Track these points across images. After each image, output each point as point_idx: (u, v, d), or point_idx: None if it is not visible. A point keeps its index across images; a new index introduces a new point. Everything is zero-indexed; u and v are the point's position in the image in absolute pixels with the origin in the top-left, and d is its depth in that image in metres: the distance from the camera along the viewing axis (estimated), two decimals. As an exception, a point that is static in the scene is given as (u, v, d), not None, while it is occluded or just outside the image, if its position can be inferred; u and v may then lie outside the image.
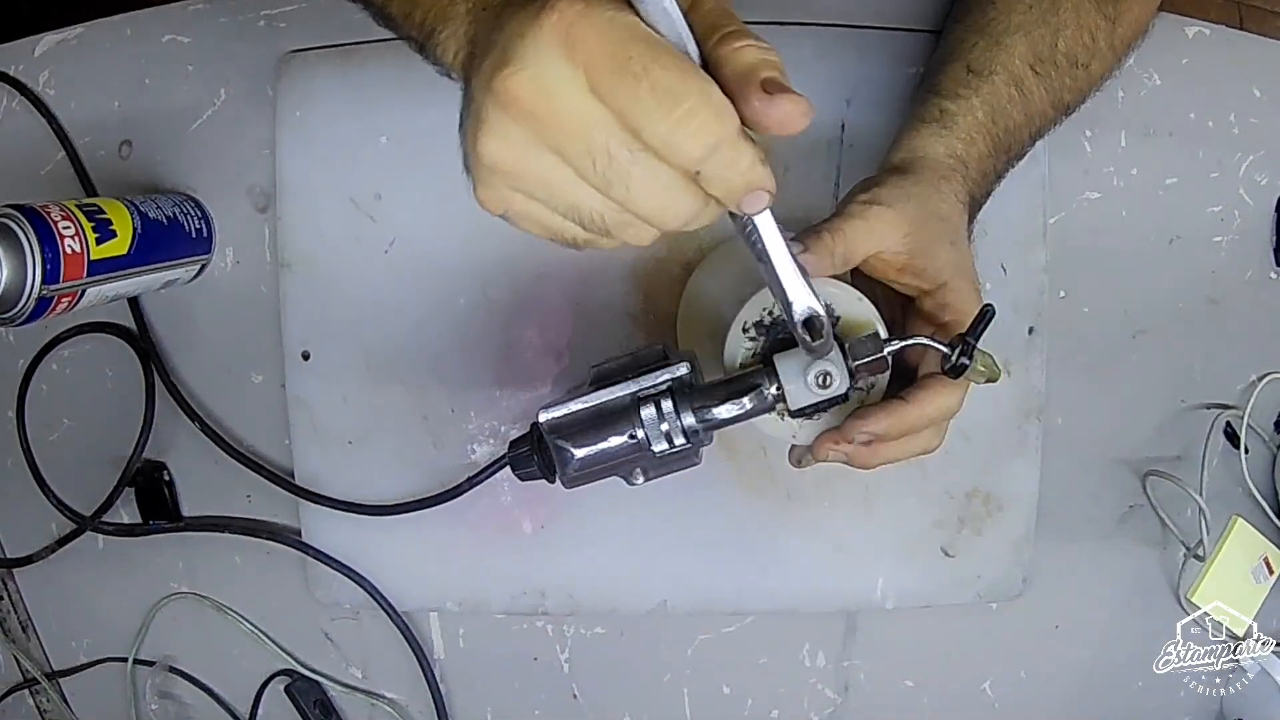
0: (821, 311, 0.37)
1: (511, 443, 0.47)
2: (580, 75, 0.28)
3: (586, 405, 0.42)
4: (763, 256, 0.35)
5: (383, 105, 0.59)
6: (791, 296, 0.36)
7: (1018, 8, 0.49)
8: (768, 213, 0.33)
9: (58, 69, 0.61)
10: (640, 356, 0.43)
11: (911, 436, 0.43)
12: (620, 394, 0.41)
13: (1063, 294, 0.61)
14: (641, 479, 0.43)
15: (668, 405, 0.40)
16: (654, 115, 0.28)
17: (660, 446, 0.41)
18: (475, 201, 0.33)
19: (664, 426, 0.41)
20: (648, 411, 0.41)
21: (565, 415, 0.42)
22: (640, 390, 0.41)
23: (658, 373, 0.41)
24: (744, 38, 0.30)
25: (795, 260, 0.35)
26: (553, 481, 0.44)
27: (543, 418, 0.42)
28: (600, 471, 0.42)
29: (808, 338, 0.37)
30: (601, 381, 0.42)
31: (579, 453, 0.41)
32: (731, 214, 0.33)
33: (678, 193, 0.30)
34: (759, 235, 0.34)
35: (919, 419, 0.42)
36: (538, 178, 0.31)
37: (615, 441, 0.41)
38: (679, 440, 0.41)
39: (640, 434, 0.41)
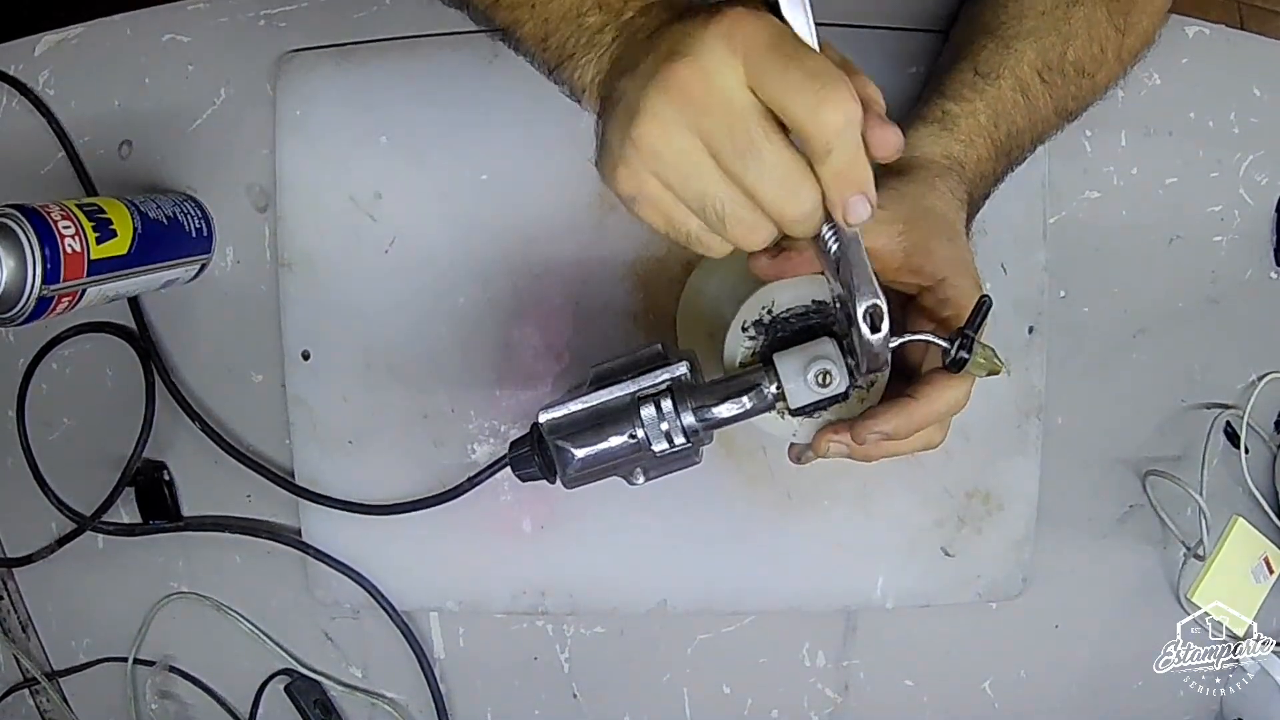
0: (885, 308, 0.37)
1: (512, 443, 0.47)
2: (739, 65, 0.32)
3: (586, 405, 0.42)
4: (834, 253, 0.37)
5: (383, 105, 0.59)
6: (861, 288, 0.36)
7: (1030, 14, 0.49)
8: None
9: (58, 69, 0.61)
10: (639, 356, 0.43)
11: (901, 420, 0.44)
12: (620, 394, 0.42)
13: (1063, 294, 0.61)
14: (642, 479, 0.43)
15: (667, 405, 0.41)
16: (802, 90, 0.31)
17: (660, 446, 0.41)
18: (610, 183, 0.36)
19: (664, 426, 0.41)
20: (648, 411, 0.41)
21: (565, 415, 0.42)
22: (640, 390, 0.41)
23: (657, 372, 0.41)
24: (858, 72, 0.36)
25: (870, 264, 0.37)
26: (553, 482, 0.44)
27: (543, 418, 0.42)
28: (601, 471, 0.42)
29: (867, 330, 0.37)
30: (601, 382, 0.42)
31: (579, 453, 0.41)
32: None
33: (800, 182, 0.33)
34: (841, 239, 0.36)
35: (927, 415, 0.42)
36: (678, 159, 0.34)
37: (615, 441, 0.41)
38: (679, 440, 0.41)
39: (640, 434, 0.41)
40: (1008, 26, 0.49)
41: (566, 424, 0.42)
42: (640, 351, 0.44)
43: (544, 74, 0.43)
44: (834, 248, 0.37)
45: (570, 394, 0.42)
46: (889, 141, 0.34)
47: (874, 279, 0.36)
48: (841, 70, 0.32)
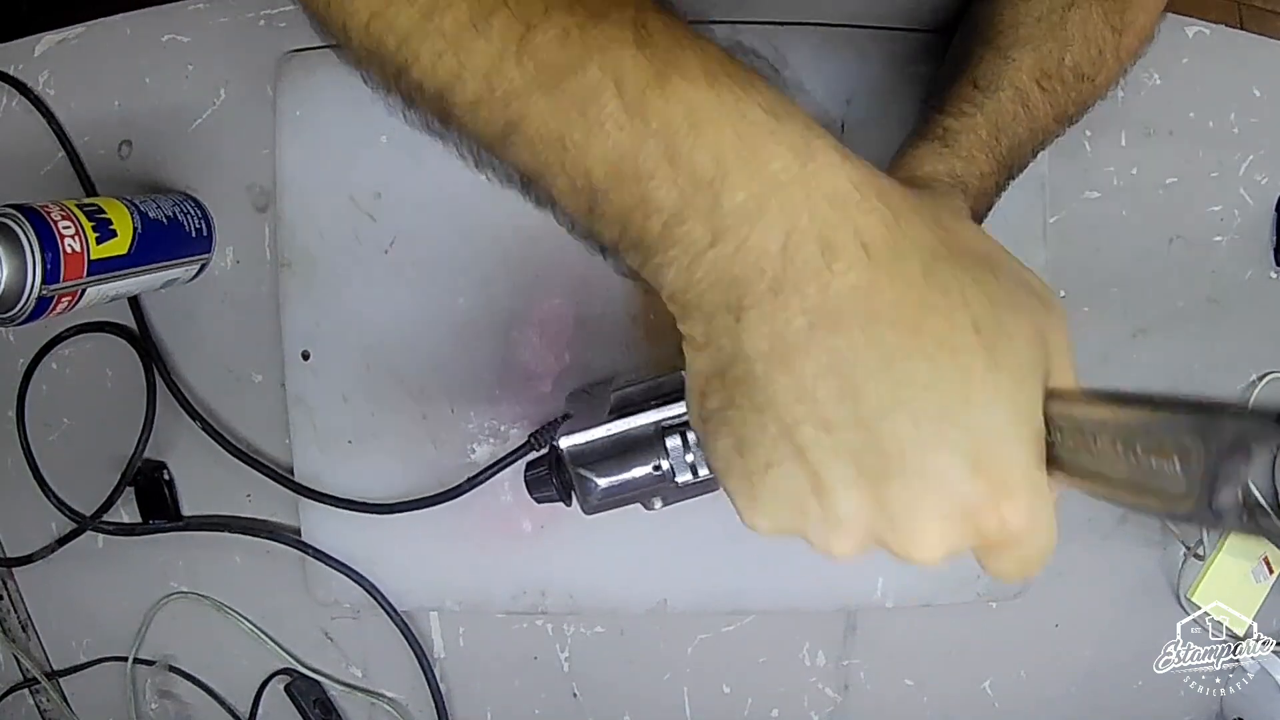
0: None
1: (529, 463, 0.46)
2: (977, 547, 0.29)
3: (610, 434, 0.41)
4: None
5: (383, 105, 0.58)
6: None
7: (1025, 21, 0.49)
8: None
9: (58, 69, 0.61)
10: (662, 383, 0.43)
11: None
12: (643, 423, 0.41)
13: (1063, 294, 0.61)
14: (659, 504, 0.42)
15: (693, 436, 0.40)
16: (1009, 579, 0.30)
17: (685, 477, 0.40)
18: (749, 521, 0.29)
19: (689, 458, 0.40)
20: (673, 442, 0.40)
21: (588, 443, 0.41)
22: (664, 419, 0.41)
23: (682, 402, 0.41)
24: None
25: None
26: (569, 504, 0.44)
27: (564, 444, 0.41)
28: (622, 500, 0.42)
29: None
30: (624, 408, 0.42)
31: (603, 483, 0.41)
32: None
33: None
34: None
35: None
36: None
37: (639, 472, 0.41)
38: (703, 471, 0.40)
39: (665, 465, 0.40)
40: (1004, 36, 0.49)
41: (589, 452, 0.41)
42: (663, 378, 0.43)
43: (595, 251, 0.30)
44: None
45: (591, 418, 0.41)
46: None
47: None
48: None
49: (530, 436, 0.56)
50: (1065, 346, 0.28)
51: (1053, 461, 0.28)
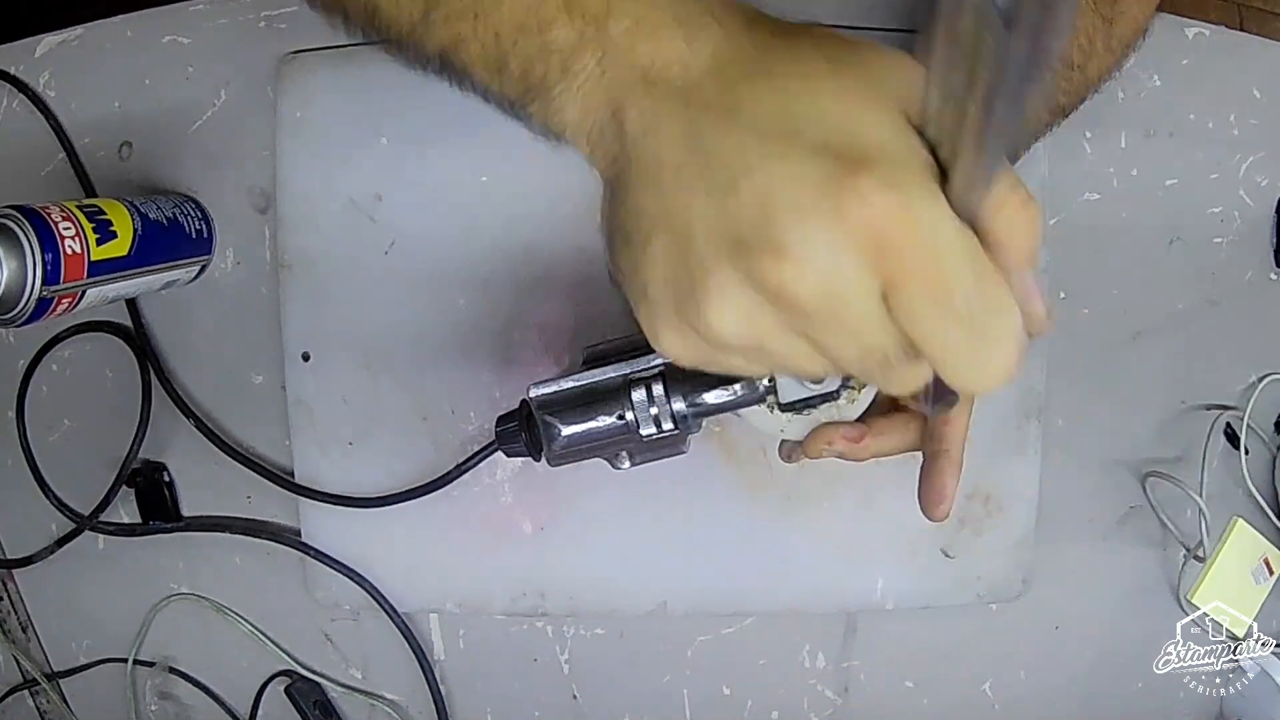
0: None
1: (500, 418, 0.47)
2: (878, 285, 0.23)
3: (578, 384, 0.42)
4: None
5: (383, 106, 0.59)
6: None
7: None
8: None
9: (58, 69, 0.61)
10: (635, 339, 0.43)
11: (904, 434, 0.44)
12: (612, 375, 0.41)
13: (1063, 295, 0.61)
14: (627, 463, 0.43)
15: (658, 389, 0.40)
16: (961, 356, 0.24)
17: (648, 430, 0.41)
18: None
19: (653, 410, 0.40)
20: (638, 394, 0.40)
21: (555, 392, 0.42)
22: (632, 372, 0.41)
23: (651, 356, 0.41)
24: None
25: None
26: (538, 459, 0.44)
27: (532, 393, 0.42)
28: (586, 451, 0.42)
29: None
30: (594, 362, 0.42)
31: (566, 430, 0.41)
32: None
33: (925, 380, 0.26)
34: None
35: (935, 435, 0.42)
36: (775, 355, 0.26)
37: (604, 422, 0.41)
38: (667, 425, 0.41)
39: (629, 416, 0.41)
40: None
41: (555, 400, 0.42)
42: (636, 335, 0.43)
43: (505, 112, 0.32)
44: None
45: (563, 373, 0.42)
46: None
47: None
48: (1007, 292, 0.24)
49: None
50: (921, 82, 0.24)
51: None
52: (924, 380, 0.30)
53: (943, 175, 0.24)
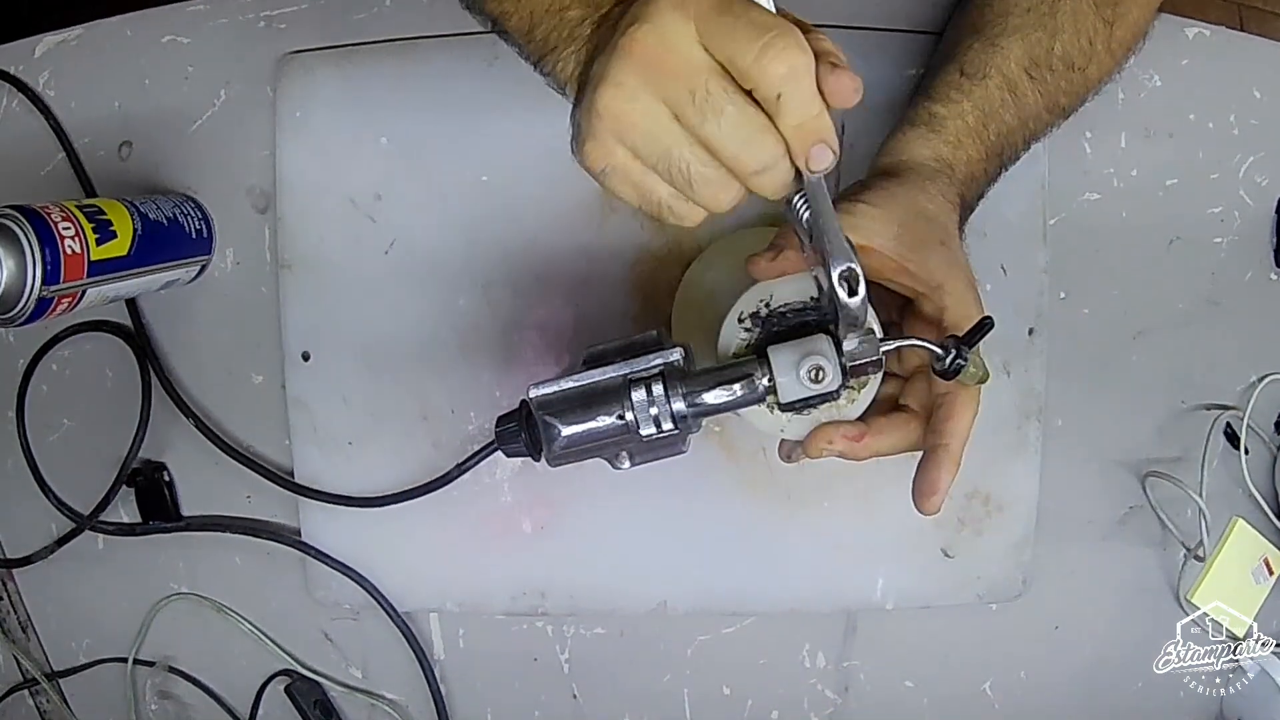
0: (860, 270, 0.37)
1: (500, 418, 0.47)
2: (692, 27, 0.33)
3: (577, 384, 0.42)
4: (806, 221, 0.37)
5: (383, 106, 0.59)
6: (832, 251, 0.36)
7: (1015, 10, 0.49)
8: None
9: (58, 69, 0.61)
10: (635, 340, 0.43)
11: (905, 434, 0.44)
12: (611, 375, 0.41)
13: (1063, 295, 0.61)
14: (627, 463, 0.43)
15: (658, 389, 0.40)
16: (746, 43, 0.32)
17: (648, 430, 0.41)
18: (581, 160, 0.37)
19: (653, 410, 0.40)
20: (638, 394, 0.40)
21: (555, 392, 0.42)
22: (632, 372, 0.41)
23: (650, 356, 0.41)
24: (818, 33, 0.36)
25: (836, 221, 0.37)
26: (538, 459, 0.44)
27: (532, 393, 0.42)
28: (586, 451, 0.42)
29: (844, 293, 0.37)
30: (594, 362, 0.42)
31: (566, 430, 0.41)
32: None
33: (760, 133, 0.34)
34: (811, 193, 0.36)
35: (935, 437, 0.43)
36: (642, 123, 0.34)
37: (603, 422, 0.41)
38: (667, 425, 0.41)
39: (629, 416, 0.41)
40: (993, 25, 0.49)
41: (555, 400, 0.42)
42: (636, 336, 0.44)
43: (532, 66, 0.43)
44: (805, 216, 0.37)
45: (563, 373, 0.42)
46: (845, 87, 0.34)
47: (847, 244, 0.37)
48: (793, 26, 0.33)
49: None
50: None
51: None
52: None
53: None
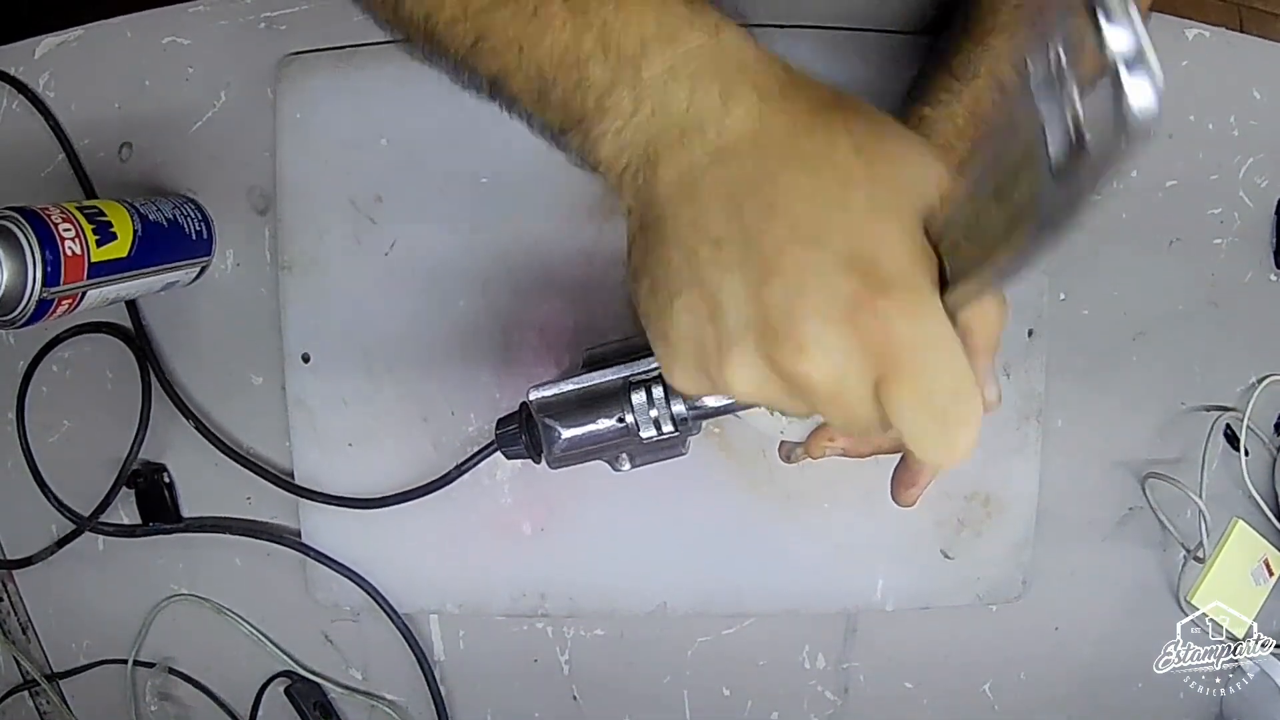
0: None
1: (500, 420, 0.47)
2: (874, 378, 0.27)
3: (578, 386, 0.42)
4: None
5: (383, 107, 0.59)
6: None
7: (1003, 8, 0.48)
8: None
9: (58, 70, 0.61)
10: (635, 342, 0.43)
11: None
12: (611, 378, 0.41)
13: (1062, 296, 0.61)
14: (627, 465, 0.43)
15: (658, 391, 0.40)
16: (929, 438, 0.27)
17: (648, 433, 0.41)
18: (669, 375, 0.31)
19: (653, 413, 0.41)
20: (638, 396, 0.41)
21: (555, 395, 0.42)
22: (632, 375, 0.41)
23: (650, 358, 0.41)
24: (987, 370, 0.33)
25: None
26: (538, 461, 0.44)
27: (533, 396, 0.42)
28: (586, 454, 0.42)
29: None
30: (594, 365, 0.42)
31: (566, 433, 0.41)
32: None
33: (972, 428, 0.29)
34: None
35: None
36: (776, 408, 0.31)
37: (604, 424, 0.41)
38: (667, 427, 0.41)
39: (629, 418, 0.41)
40: (981, 24, 0.48)
41: (556, 403, 0.42)
42: (635, 337, 0.44)
43: (549, 140, 0.34)
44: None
45: (563, 375, 0.42)
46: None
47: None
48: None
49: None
50: (944, 185, 0.28)
51: (946, 282, 0.28)
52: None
53: (942, 276, 0.27)
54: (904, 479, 0.42)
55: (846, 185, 0.28)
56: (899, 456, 0.44)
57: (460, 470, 0.59)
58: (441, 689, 0.64)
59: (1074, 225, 0.20)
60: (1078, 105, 0.19)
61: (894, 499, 0.43)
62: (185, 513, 0.63)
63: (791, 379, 0.27)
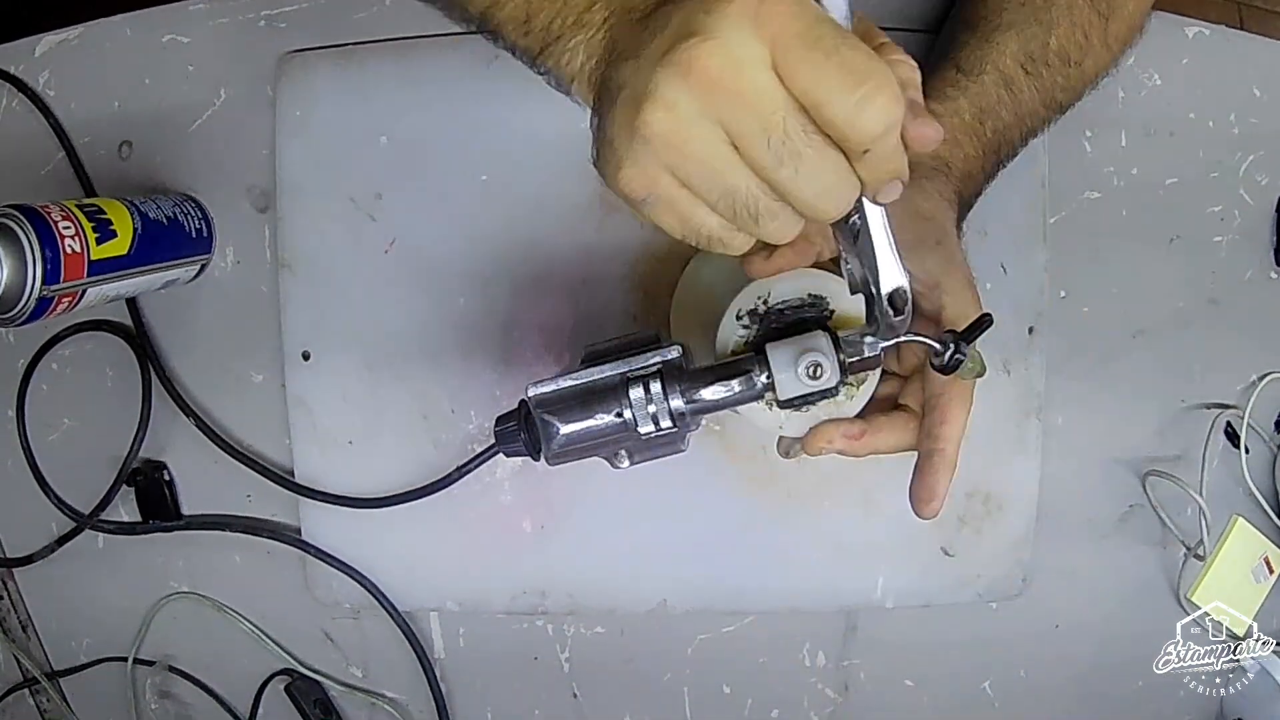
0: (908, 289, 0.36)
1: (499, 417, 0.46)
2: (766, 52, 0.28)
3: (576, 382, 0.42)
4: (858, 233, 0.35)
5: (383, 105, 0.59)
6: (883, 269, 0.35)
7: (1009, 5, 0.49)
8: None
9: (58, 69, 0.61)
10: (633, 338, 0.43)
11: (904, 433, 0.44)
12: (610, 373, 0.41)
13: (1063, 294, 0.61)
14: (626, 462, 0.43)
15: (656, 387, 0.40)
16: (841, 91, 0.28)
17: (647, 428, 0.41)
18: (614, 184, 0.33)
19: (651, 408, 0.40)
20: (636, 392, 0.40)
21: (553, 391, 0.42)
22: (630, 370, 0.41)
23: (649, 354, 0.41)
24: (896, 52, 0.32)
25: (892, 236, 0.35)
26: (537, 459, 0.44)
27: (531, 392, 0.42)
28: (585, 450, 0.42)
29: (890, 311, 0.36)
30: (592, 361, 0.42)
31: (565, 429, 0.41)
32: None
33: (842, 176, 0.30)
34: (865, 209, 0.34)
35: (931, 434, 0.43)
36: (699, 154, 0.30)
37: (602, 420, 0.41)
38: (665, 423, 0.41)
39: (627, 414, 0.41)
40: (987, 20, 0.49)
41: (554, 399, 0.42)
42: (634, 334, 0.44)
43: (527, 64, 0.38)
44: (855, 220, 0.35)
45: (561, 372, 0.42)
46: (927, 136, 0.31)
47: (899, 258, 0.35)
48: (879, 57, 0.29)
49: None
50: None
51: None
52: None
53: None
54: (922, 493, 0.43)
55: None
56: (904, 460, 0.44)
57: (461, 472, 0.59)
58: (442, 687, 0.64)
59: None
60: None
61: (916, 514, 0.43)
62: (185, 510, 0.63)
63: (690, 69, 0.29)
